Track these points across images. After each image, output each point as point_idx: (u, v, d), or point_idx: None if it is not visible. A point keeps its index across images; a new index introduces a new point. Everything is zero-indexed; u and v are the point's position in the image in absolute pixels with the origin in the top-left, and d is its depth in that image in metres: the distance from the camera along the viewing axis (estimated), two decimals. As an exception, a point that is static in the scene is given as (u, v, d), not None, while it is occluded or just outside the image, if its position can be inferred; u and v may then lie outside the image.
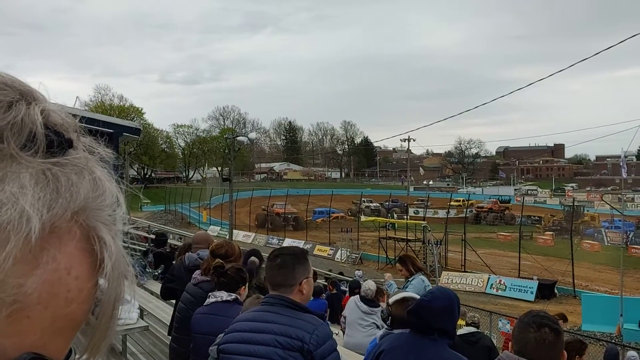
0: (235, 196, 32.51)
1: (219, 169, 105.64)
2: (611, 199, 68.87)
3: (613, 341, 15.37)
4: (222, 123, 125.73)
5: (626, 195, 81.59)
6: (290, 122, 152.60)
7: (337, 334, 6.71)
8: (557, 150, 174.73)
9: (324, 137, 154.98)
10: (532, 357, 2.05)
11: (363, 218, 38.56)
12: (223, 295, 3.67)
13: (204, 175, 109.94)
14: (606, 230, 45.28)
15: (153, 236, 14.37)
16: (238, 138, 29.33)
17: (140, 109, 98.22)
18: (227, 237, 26.26)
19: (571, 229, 32.96)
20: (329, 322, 9.45)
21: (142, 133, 10.23)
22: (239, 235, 41.82)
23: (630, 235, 42.81)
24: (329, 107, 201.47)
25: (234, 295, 3.71)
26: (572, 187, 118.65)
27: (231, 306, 3.64)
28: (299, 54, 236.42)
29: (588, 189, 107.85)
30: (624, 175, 40.85)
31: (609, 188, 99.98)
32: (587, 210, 57.52)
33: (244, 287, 3.82)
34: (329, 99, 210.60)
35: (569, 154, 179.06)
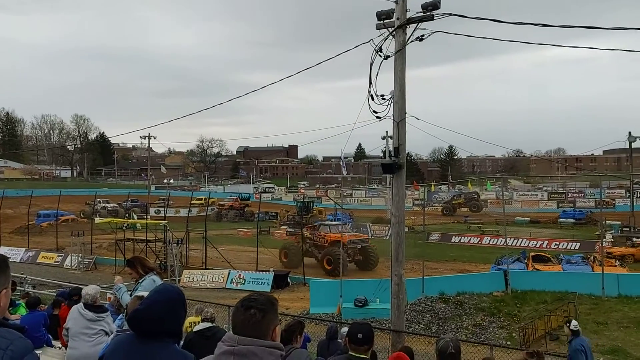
0: None
1: None
2: (335, 194, 78.17)
3: (334, 320, 17.31)
4: None
5: (346, 191, 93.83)
6: (7, 113, 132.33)
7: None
8: (292, 150, 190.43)
9: (51, 132, 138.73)
10: (243, 334, 2.27)
11: (98, 220, 35.64)
12: None
13: None
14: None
15: None
16: None
17: None
18: None
19: (301, 223, 36.09)
20: (50, 337, 8.41)
21: None
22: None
23: (349, 226, 49.09)
24: (57, 99, 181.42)
25: None
26: (304, 184, 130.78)
27: None
28: (19, 36, 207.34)
29: (317, 186, 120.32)
30: (344, 173, 46.95)
31: (333, 185, 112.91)
32: (316, 205, 63.67)
33: None
34: (57, 90, 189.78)
35: (301, 154, 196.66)
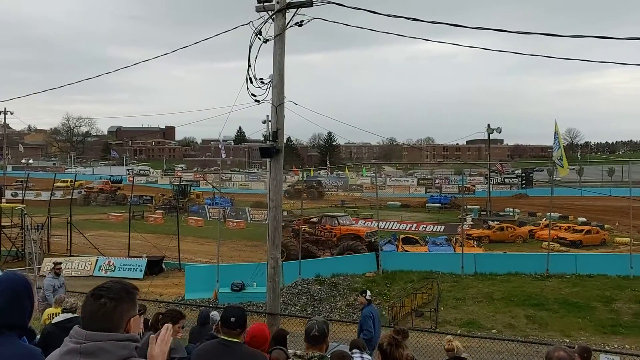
0: None
1: None
2: (213, 178, 76.70)
3: (210, 305, 17.04)
4: None
5: (225, 175, 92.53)
6: None
7: None
8: (169, 132, 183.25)
9: None
10: (92, 327, 2.09)
11: (-59, 203, 31.52)
12: None
13: None
14: (209, 207, 49.99)
15: None
16: None
17: None
18: None
19: (178, 207, 34.95)
20: None
21: None
22: None
23: (228, 211, 48.56)
24: None
25: None
26: (182, 167, 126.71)
27: None
28: None
29: (195, 169, 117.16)
30: (222, 156, 46.29)
31: (212, 169, 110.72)
32: (194, 189, 62.08)
33: None
34: None
35: (179, 136, 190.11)
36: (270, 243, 11.21)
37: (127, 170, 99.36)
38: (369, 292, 10.79)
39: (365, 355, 6.42)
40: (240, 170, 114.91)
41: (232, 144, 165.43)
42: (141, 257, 25.81)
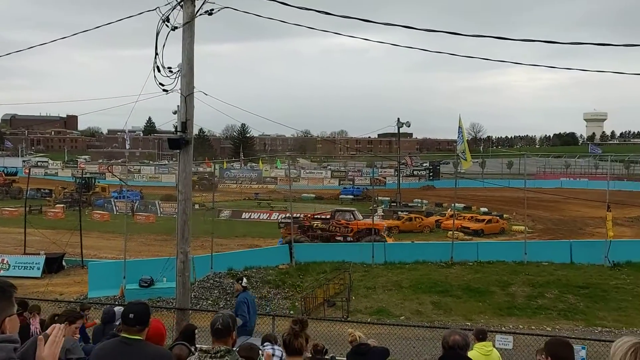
0: None
1: None
2: (121, 170, 73.32)
3: (116, 303, 16.29)
4: None
5: (134, 167, 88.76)
6: None
7: None
8: (70, 121, 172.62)
9: None
10: None
11: None
12: None
13: None
14: (115, 200, 47.76)
15: None
16: None
17: None
18: None
19: (80, 201, 33.11)
20: None
21: None
22: None
23: (136, 204, 46.67)
24: None
25: None
26: (85, 159, 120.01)
27: None
28: None
29: (100, 161, 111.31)
30: (128, 147, 44.43)
31: (119, 160, 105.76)
32: (99, 182, 59.15)
33: None
34: None
35: (82, 125, 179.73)
36: (179, 237, 10.89)
37: (24, 161, 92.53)
38: (245, 280, 11.20)
39: (277, 347, 6.41)
40: (150, 162, 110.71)
41: (142, 134, 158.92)
42: (39, 254, 24.13)
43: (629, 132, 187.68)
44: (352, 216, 29.05)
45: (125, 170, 69.77)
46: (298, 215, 31.00)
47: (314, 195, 61.93)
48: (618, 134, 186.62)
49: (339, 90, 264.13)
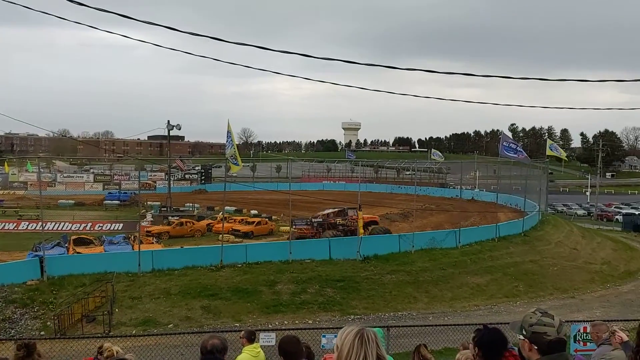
0: None
1: None
2: None
3: None
4: None
5: None
6: None
7: None
8: None
9: None
10: None
11: None
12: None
13: None
14: None
15: None
16: None
17: None
18: None
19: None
20: None
21: None
22: None
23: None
24: None
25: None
26: None
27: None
28: None
29: None
30: None
31: None
32: None
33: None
34: None
35: None
36: None
37: None
38: None
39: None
40: None
41: None
42: None
43: (378, 140, 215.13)
44: (355, 212, 31.42)
45: None
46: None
47: (73, 202, 56.28)
48: (369, 142, 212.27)
49: (102, 87, 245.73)
